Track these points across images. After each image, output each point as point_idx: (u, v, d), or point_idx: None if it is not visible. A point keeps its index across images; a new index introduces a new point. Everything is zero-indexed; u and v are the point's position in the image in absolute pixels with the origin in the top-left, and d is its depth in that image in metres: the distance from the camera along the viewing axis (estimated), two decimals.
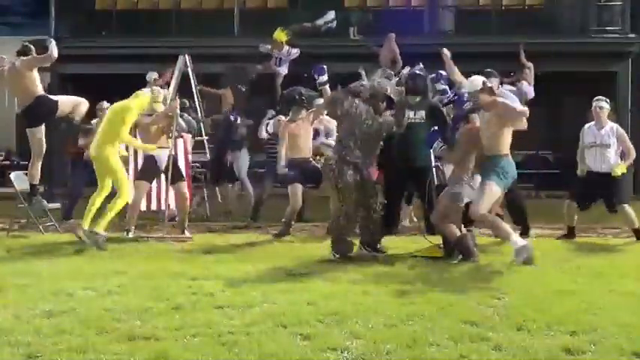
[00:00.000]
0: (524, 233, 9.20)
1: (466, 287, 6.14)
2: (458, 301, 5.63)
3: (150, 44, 15.02)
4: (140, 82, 13.01)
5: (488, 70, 8.91)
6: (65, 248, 8.36)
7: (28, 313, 5.29)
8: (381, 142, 7.92)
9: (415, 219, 10.16)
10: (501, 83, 9.72)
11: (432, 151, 7.97)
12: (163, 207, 9.85)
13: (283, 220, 9.41)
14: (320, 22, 14.21)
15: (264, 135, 11.11)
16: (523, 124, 7.64)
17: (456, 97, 8.31)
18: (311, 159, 9.64)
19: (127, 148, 9.49)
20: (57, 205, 10.44)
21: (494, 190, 7.37)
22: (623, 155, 9.13)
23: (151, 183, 9.51)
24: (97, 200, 8.61)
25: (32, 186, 9.48)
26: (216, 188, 11.97)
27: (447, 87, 8.64)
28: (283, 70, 13.53)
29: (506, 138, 7.44)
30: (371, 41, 14.52)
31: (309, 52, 13.67)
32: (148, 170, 9.35)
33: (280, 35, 13.34)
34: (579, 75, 15.53)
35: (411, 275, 6.74)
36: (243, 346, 4.49)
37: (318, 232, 9.66)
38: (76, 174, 11.11)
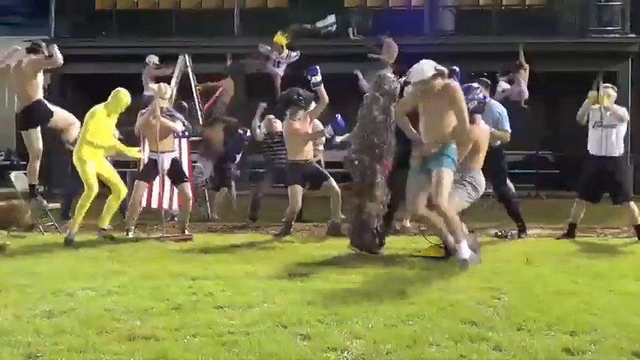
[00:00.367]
0: (522, 232, 9.22)
1: (466, 287, 6.14)
2: (458, 301, 5.63)
3: (150, 44, 14.98)
4: (140, 82, 13.05)
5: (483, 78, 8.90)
6: (65, 248, 8.36)
7: (28, 313, 5.30)
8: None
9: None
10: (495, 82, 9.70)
11: None
12: (165, 206, 9.84)
13: (283, 220, 9.42)
14: (320, 24, 14.24)
15: (260, 137, 11.10)
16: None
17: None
18: (311, 160, 9.64)
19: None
20: (57, 205, 10.45)
21: (449, 177, 6.99)
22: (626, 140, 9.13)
23: (150, 184, 9.51)
24: (114, 203, 9.05)
25: (31, 186, 9.49)
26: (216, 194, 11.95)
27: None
28: (280, 71, 13.57)
29: (453, 123, 7.01)
30: (370, 41, 14.51)
31: (309, 52, 13.69)
32: (149, 172, 9.37)
33: (280, 39, 13.41)
34: (579, 75, 15.50)
35: (411, 275, 6.74)
36: (243, 346, 4.50)
37: (318, 232, 9.67)
38: (74, 174, 11.08)
